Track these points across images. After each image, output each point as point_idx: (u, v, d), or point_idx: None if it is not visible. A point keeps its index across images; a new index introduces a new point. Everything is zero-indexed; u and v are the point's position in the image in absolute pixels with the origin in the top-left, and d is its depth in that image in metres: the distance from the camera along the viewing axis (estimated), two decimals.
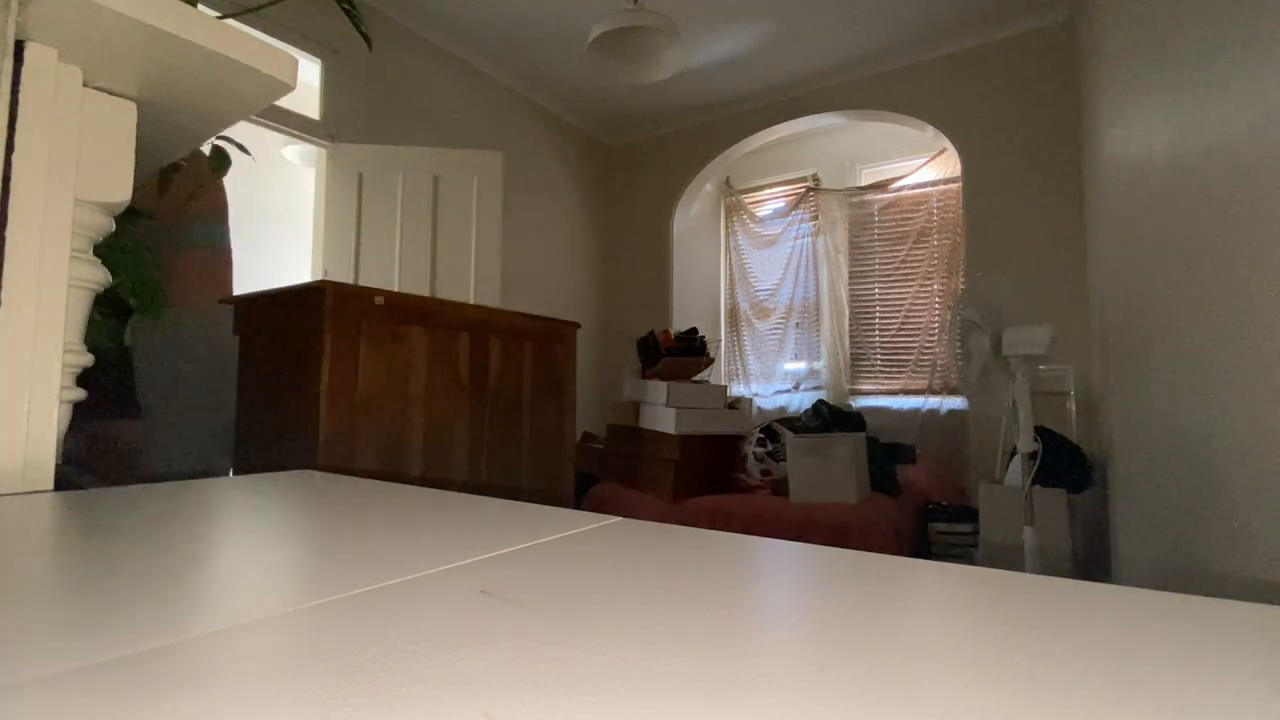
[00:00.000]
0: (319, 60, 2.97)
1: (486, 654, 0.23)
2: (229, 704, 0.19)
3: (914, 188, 4.13)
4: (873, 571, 0.34)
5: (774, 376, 4.61)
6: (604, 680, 0.21)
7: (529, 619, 0.26)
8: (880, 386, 4.21)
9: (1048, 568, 2.02)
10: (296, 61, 0.73)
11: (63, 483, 0.64)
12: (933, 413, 3.88)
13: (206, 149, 1.66)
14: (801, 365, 4.53)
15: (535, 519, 0.46)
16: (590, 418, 4.10)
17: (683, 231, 4.62)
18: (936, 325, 3.97)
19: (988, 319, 1.85)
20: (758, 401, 4.53)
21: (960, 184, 3.57)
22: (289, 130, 2.84)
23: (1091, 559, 2.40)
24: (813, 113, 4.00)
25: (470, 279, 2.97)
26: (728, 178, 4.93)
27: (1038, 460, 1.82)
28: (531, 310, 2.13)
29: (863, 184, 4.42)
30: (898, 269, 4.19)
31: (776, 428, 3.01)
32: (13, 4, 0.58)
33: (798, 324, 4.55)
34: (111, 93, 0.69)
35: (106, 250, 0.77)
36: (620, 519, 0.46)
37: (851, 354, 4.33)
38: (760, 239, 4.79)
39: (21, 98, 0.61)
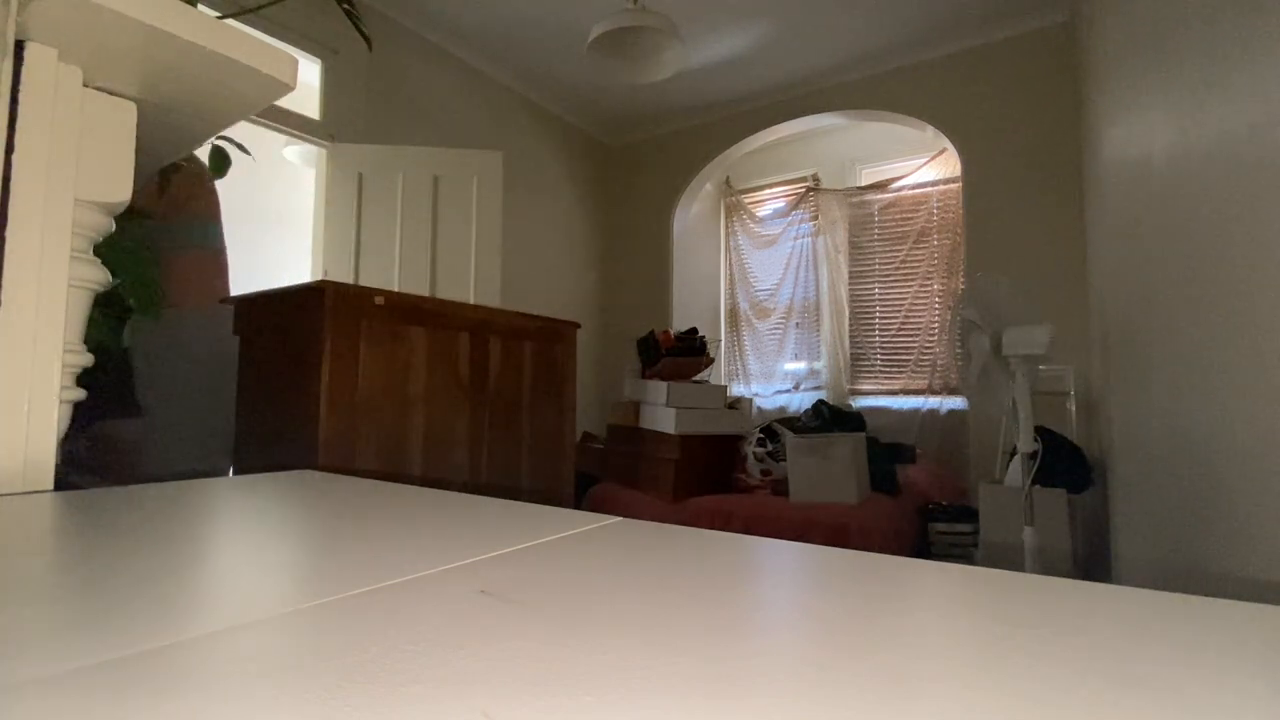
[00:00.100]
0: (319, 60, 2.97)
1: (486, 654, 0.23)
2: (229, 704, 0.19)
3: (914, 188, 4.13)
4: (873, 571, 0.34)
5: (774, 376, 4.61)
6: (604, 680, 0.21)
7: (529, 619, 0.26)
8: (880, 386, 4.21)
9: (1048, 568, 2.02)
10: (296, 61, 0.73)
11: (62, 483, 0.64)
12: (933, 413, 3.88)
13: (206, 149, 1.66)
14: (801, 365, 4.53)
15: (535, 519, 0.46)
16: (590, 418, 4.10)
17: (683, 231, 4.62)
18: (936, 325, 3.97)
19: (988, 319, 1.85)
20: (758, 401, 4.53)
21: (960, 184, 3.57)
22: (289, 130, 2.84)
23: (1091, 559, 2.40)
24: (813, 113, 4.00)
25: (470, 279, 2.97)
26: (728, 178, 4.93)
27: (1038, 460, 1.82)
28: (531, 310, 2.13)
29: (863, 184, 4.43)
30: (898, 269, 4.19)
31: (776, 428, 3.01)
32: (13, 4, 0.58)
33: (798, 324, 4.55)
34: (111, 93, 0.69)
35: (107, 250, 0.77)
36: (620, 519, 0.46)
37: (851, 354, 4.33)
38: (760, 239, 4.79)
39: (21, 98, 0.61)
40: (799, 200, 4.59)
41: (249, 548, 0.40)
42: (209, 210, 1.79)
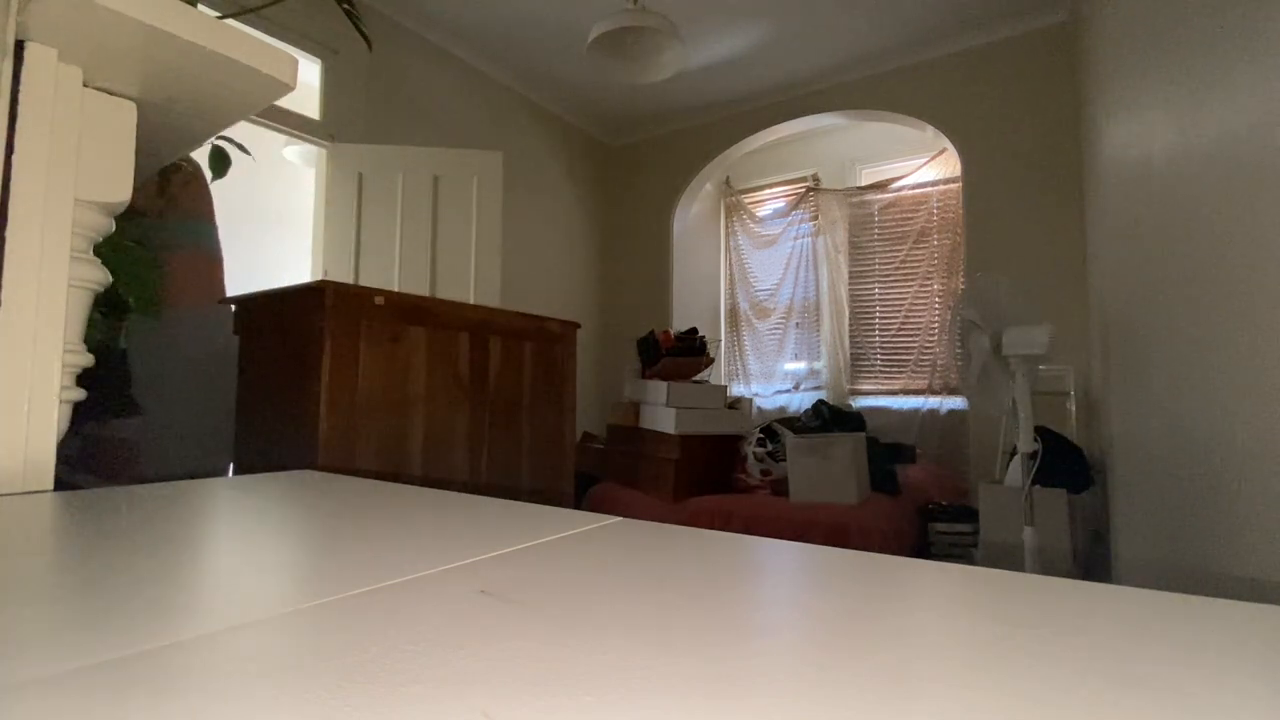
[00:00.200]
0: (319, 60, 2.97)
1: (486, 654, 0.23)
2: (229, 704, 0.19)
3: (914, 188, 4.14)
4: (873, 571, 0.34)
5: (774, 376, 4.61)
6: (604, 680, 0.21)
7: (529, 619, 0.26)
8: (880, 386, 4.21)
9: (1048, 568, 2.02)
10: (296, 61, 0.73)
11: (62, 483, 0.64)
12: (933, 413, 3.88)
13: (206, 149, 1.66)
14: (801, 365, 4.53)
15: (535, 519, 0.46)
16: (590, 418, 4.10)
17: (683, 231, 4.62)
18: (936, 325, 3.97)
19: (988, 319, 1.85)
20: (758, 401, 4.53)
21: (960, 184, 3.57)
22: (289, 130, 2.84)
23: (1091, 559, 2.40)
24: (813, 113, 4.00)
25: (470, 279, 2.97)
26: (728, 178, 4.93)
27: (1038, 460, 1.82)
28: (531, 310, 2.13)
29: (863, 184, 4.43)
30: (898, 269, 4.19)
31: (776, 428, 3.01)
32: (13, 4, 0.58)
33: (798, 324, 4.55)
34: (111, 93, 0.69)
35: (107, 250, 0.77)
36: (620, 519, 0.46)
37: (851, 354, 4.33)
38: (760, 239, 4.79)
39: (21, 98, 0.61)
40: (799, 200, 4.59)
41: (249, 548, 0.40)
42: (204, 210, 1.79)
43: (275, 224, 3.67)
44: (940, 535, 2.72)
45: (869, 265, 4.32)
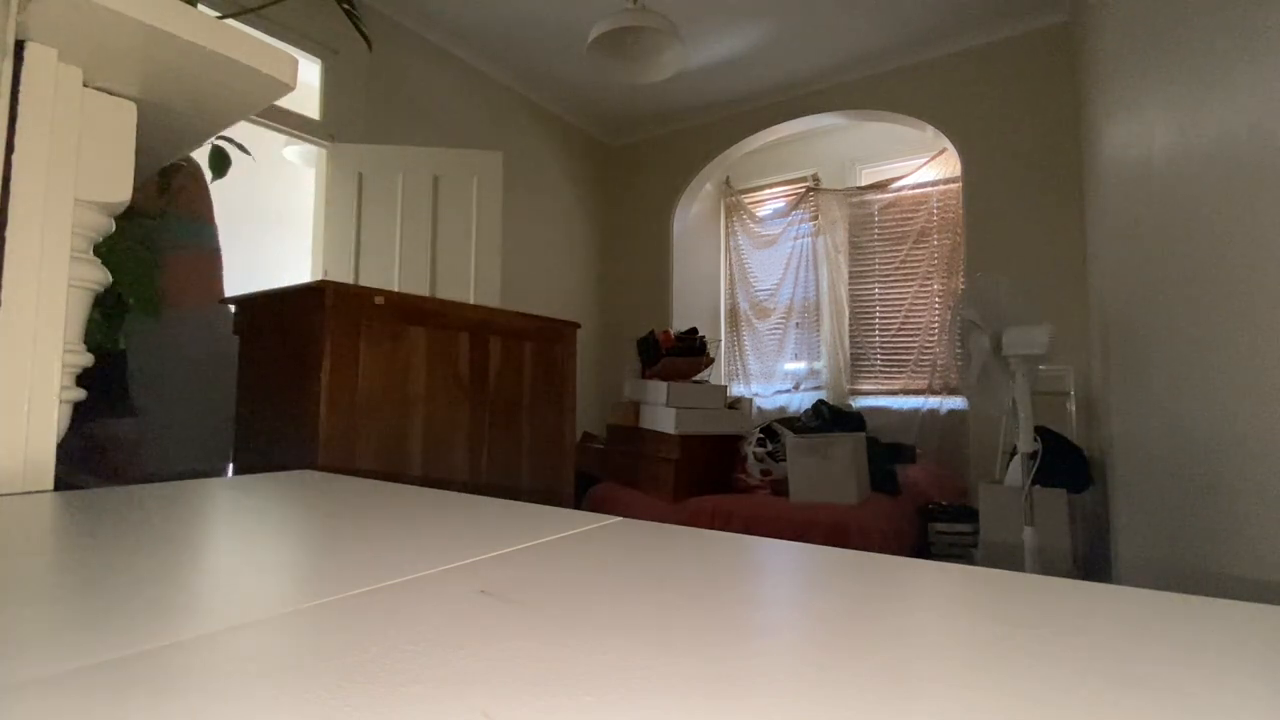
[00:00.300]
0: (319, 60, 2.97)
1: (486, 654, 0.23)
2: (229, 704, 0.19)
3: (914, 188, 4.13)
4: (873, 571, 0.34)
5: (774, 376, 4.61)
6: (604, 680, 0.21)
7: (529, 619, 0.26)
8: (880, 386, 4.21)
9: (1048, 568, 2.02)
10: (296, 61, 0.73)
11: (62, 483, 0.64)
12: (933, 413, 3.88)
13: (207, 149, 1.66)
14: (801, 365, 4.53)
15: (535, 519, 0.46)
16: (590, 418, 4.10)
17: (683, 231, 4.62)
18: (936, 325, 3.97)
19: (988, 319, 1.85)
20: (758, 401, 4.53)
21: (960, 184, 3.57)
22: (289, 130, 2.84)
23: (1091, 559, 2.40)
24: (813, 113, 4.00)
25: (470, 279, 2.97)
26: (728, 178, 4.93)
27: (1038, 460, 1.82)
28: (531, 310, 2.13)
29: (863, 184, 4.42)
30: (898, 269, 4.19)
31: (776, 428, 3.02)
32: (13, 4, 0.58)
33: (798, 324, 4.55)
34: (111, 93, 0.69)
35: (107, 250, 0.77)
36: (620, 519, 0.46)
37: (851, 354, 4.33)
38: (760, 239, 4.79)
39: (21, 98, 0.61)
40: (799, 200, 4.59)
41: (249, 548, 0.40)
42: (204, 210, 1.79)
43: (275, 224, 3.67)
44: (940, 535, 2.72)
45: (869, 265, 4.32)
